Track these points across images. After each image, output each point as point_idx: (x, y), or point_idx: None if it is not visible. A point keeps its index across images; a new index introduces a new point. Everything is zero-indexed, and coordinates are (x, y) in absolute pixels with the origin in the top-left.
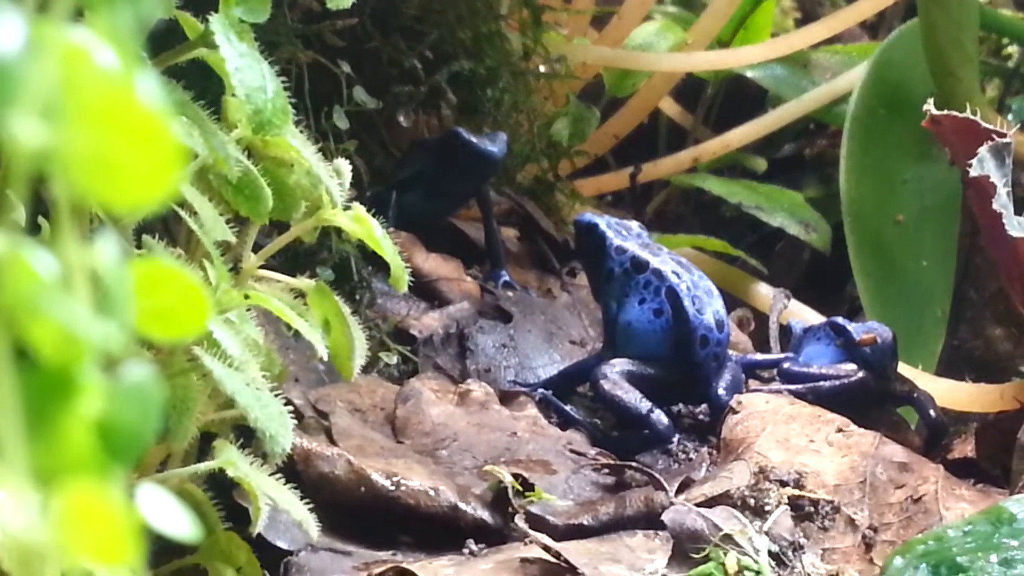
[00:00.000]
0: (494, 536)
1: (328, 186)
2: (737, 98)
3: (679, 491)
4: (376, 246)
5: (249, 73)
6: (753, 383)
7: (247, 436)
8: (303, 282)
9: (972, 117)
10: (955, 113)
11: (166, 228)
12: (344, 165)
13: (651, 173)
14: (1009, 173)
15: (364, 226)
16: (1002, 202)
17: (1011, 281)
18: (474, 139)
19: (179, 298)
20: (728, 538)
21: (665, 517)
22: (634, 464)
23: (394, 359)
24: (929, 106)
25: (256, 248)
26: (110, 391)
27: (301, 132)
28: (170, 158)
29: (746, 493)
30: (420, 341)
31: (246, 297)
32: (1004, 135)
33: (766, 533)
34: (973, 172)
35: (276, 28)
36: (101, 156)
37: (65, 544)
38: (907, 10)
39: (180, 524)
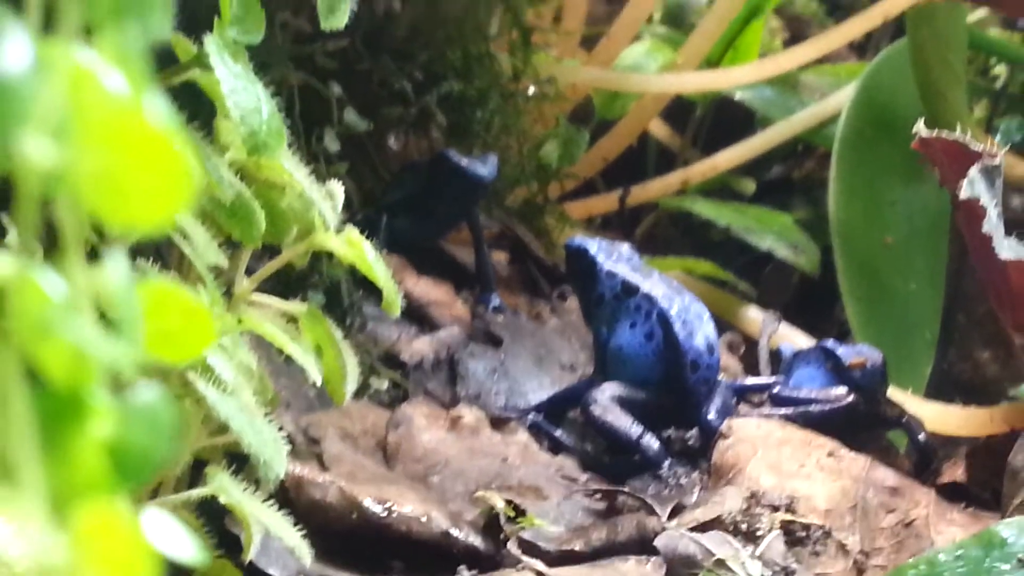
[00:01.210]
0: (486, 562)
1: (321, 209)
2: (726, 120)
3: (671, 516)
4: (368, 270)
5: (244, 95)
6: (743, 407)
7: (239, 463)
8: (295, 306)
9: (962, 138)
10: (945, 135)
11: (158, 252)
12: (337, 188)
13: (640, 196)
14: (999, 195)
15: (357, 250)
16: (992, 224)
17: (1000, 304)
18: (464, 161)
19: (184, 320)
20: (721, 563)
21: (658, 542)
22: (625, 490)
23: (384, 384)
24: (919, 127)
25: (248, 272)
26: (120, 412)
27: (293, 155)
28: (180, 177)
29: (738, 518)
30: (410, 366)
31: (239, 322)
32: (994, 156)
33: (758, 558)
34: (963, 194)
35: (268, 50)
36: (111, 175)
37: (83, 566)
38: (895, 31)
39: (185, 547)
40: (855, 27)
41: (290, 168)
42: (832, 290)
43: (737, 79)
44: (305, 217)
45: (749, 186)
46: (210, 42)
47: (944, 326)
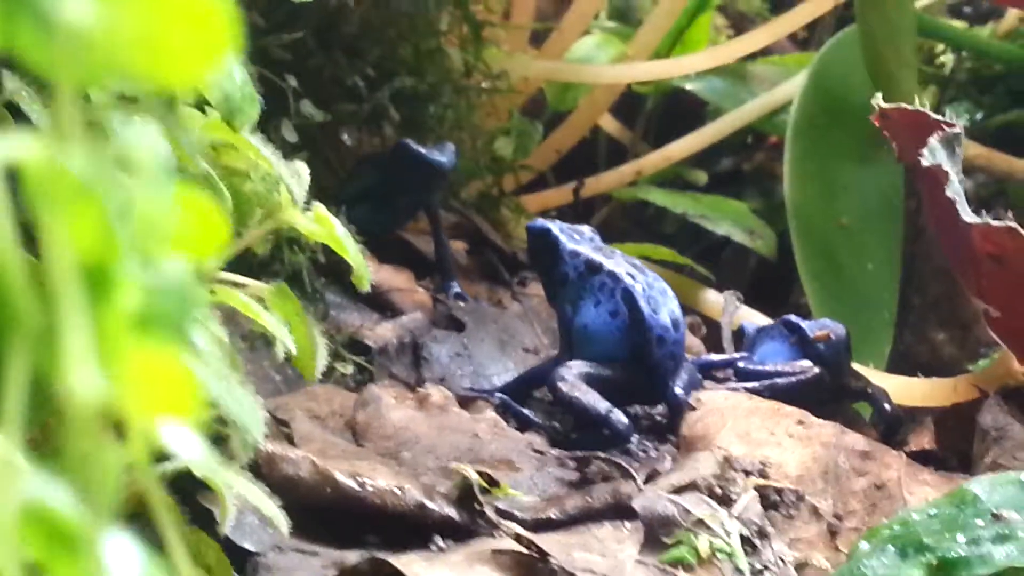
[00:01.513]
0: (461, 532)
1: (289, 185)
2: (676, 113)
3: (646, 482)
4: (339, 247)
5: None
6: (709, 383)
7: (213, 442)
8: (261, 285)
9: (921, 109)
10: (904, 106)
11: None
12: (303, 167)
13: (594, 188)
14: (959, 163)
15: (326, 226)
16: (955, 189)
17: (963, 270)
18: (423, 150)
19: (199, 221)
20: (699, 523)
21: (636, 503)
22: (601, 455)
23: (349, 369)
24: (877, 100)
25: None
26: (148, 287)
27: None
28: (219, 32)
29: (712, 482)
30: (375, 351)
31: (212, 293)
32: (953, 125)
33: (736, 518)
34: (925, 161)
35: None
36: (150, 33)
37: (136, 401)
38: (837, 23)
39: (193, 448)
40: (803, 14)
41: (257, 144)
42: (789, 274)
43: (687, 67)
44: (269, 201)
45: (701, 177)
46: None
47: (900, 308)
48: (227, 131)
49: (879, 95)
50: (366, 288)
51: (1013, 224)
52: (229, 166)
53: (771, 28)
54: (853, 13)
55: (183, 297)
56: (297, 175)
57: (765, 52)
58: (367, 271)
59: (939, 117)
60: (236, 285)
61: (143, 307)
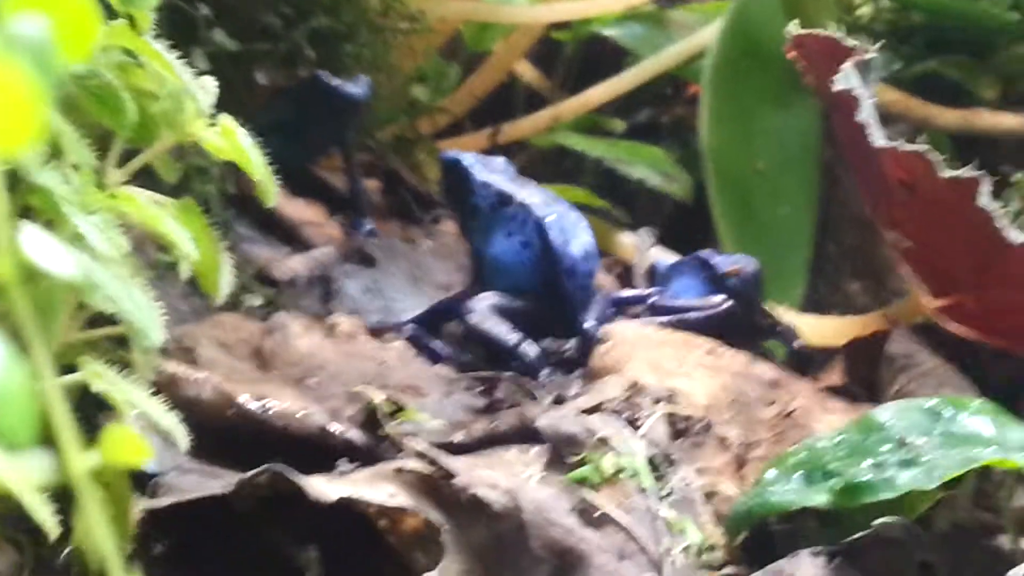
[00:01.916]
0: (365, 456)
1: (195, 95)
2: (595, 61)
3: (553, 405)
4: (244, 160)
5: None
6: (621, 319)
7: (116, 365)
8: (167, 199)
9: (835, 35)
10: (818, 32)
11: None
12: (209, 81)
13: (510, 134)
14: (873, 89)
15: (231, 139)
16: (866, 113)
17: (875, 201)
18: (336, 82)
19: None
20: (604, 441)
21: (539, 423)
22: (506, 375)
23: (258, 301)
24: (792, 27)
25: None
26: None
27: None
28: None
29: (619, 406)
30: (283, 284)
31: (112, 197)
32: (866, 51)
33: (642, 438)
34: (837, 86)
35: None
36: None
37: None
38: None
39: (59, 259)
40: None
41: (160, 50)
42: (705, 221)
43: (605, 6)
44: (177, 120)
45: (619, 125)
46: None
47: (815, 256)
48: (131, 36)
49: (795, 22)
50: (271, 203)
51: (924, 147)
52: (137, 86)
53: None
54: None
55: (40, 52)
56: (203, 88)
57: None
58: (273, 186)
59: (852, 43)
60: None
61: None
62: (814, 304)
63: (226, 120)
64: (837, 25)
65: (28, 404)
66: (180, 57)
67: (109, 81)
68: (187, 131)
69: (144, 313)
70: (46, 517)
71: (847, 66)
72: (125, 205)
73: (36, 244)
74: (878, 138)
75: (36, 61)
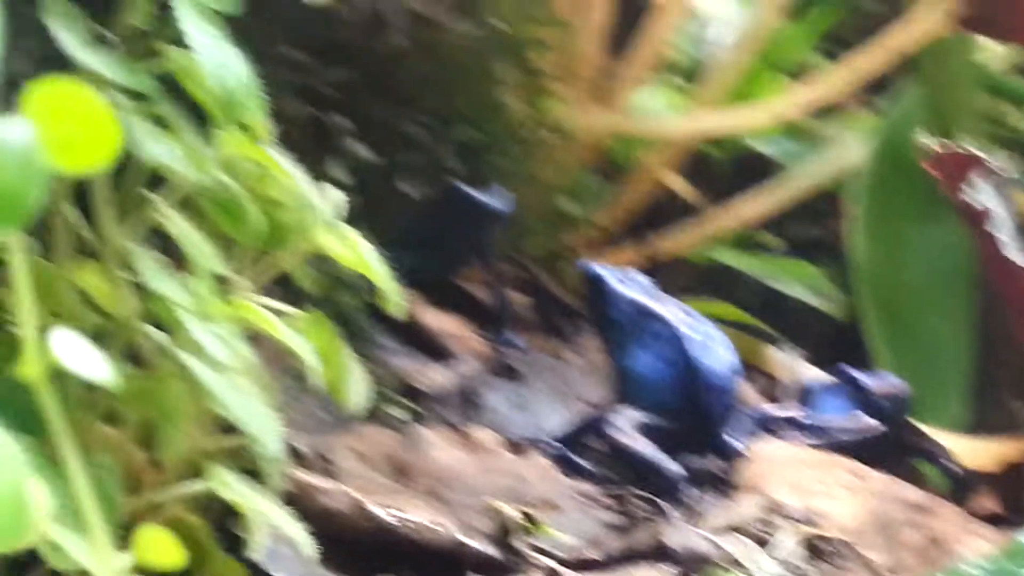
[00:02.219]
0: (498, 571)
1: (315, 205)
2: (747, 175)
3: (688, 523)
4: (365, 268)
5: (217, 53)
6: (767, 437)
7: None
8: (297, 312)
9: (973, 150)
10: (953, 146)
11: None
12: (335, 191)
13: (662, 248)
14: (1010, 205)
15: (352, 248)
16: (998, 226)
17: (1017, 313)
18: (476, 193)
19: (88, 124)
20: (735, 562)
21: (670, 540)
22: (637, 491)
23: (399, 412)
24: (929, 142)
25: None
26: None
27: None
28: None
29: (755, 525)
30: (426, 396)
31: (230, 305)
32: (999, 164)
33: (775, 559)
34: (966, 197)
35: (267, 81)
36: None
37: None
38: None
39: (94, 366)
40: (867, 64)
41: (280, 161)
42: (858, 339)
43: (752, 119)
44: (303, 229)
45: (775, 242)
46: (181, 4)
47: (975, 376)
48: (245, 143)
49: (928, 138)
50: (394, 311)
51: None
52: (266, 195)
53: (833, 79)
54: None
55: (26, 161)
56: (329, 198)
57: (832, 110)
58: (396, 293)
59: (986, 157)
60: (270, 310)
61: None
62: (974, 426)
63: (349, 230)
64: (986, 138)
65: (18, 500)
66: (315, 167)
67: (234, 192)
68: (312, 241)
69: (262, 422)
70: None
71: (977, 177)
72: (245, 314)
73: (66, 347)
74: (1014, 253)
75: (21, 165)
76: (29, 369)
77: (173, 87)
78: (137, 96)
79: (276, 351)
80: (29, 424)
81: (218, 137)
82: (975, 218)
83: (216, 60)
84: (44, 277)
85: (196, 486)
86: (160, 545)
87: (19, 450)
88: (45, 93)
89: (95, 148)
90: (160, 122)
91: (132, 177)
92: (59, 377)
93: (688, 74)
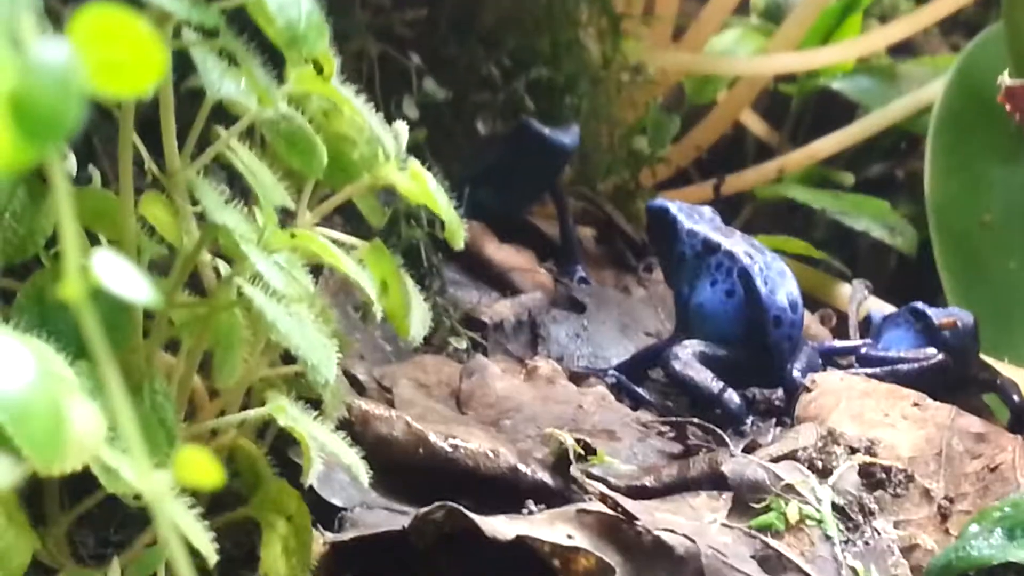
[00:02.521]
0: (555, 498)
1: (383, 140)
2: (823, 115)
3: (746, 452)
4: (431, 202)
5: None
6: (830, 369)
7: (307, 402)
8: (358, 242)
9: None
10: None
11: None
12: (402, 126)
13: (735, 185)
14: None
15: (419, 182)
16: None
17: None
18: (546, 130)
19: (132, 49)
20: (790, 488)
21: (725, 468)
22: (696, 420)
23: (464, 344)
24: (1003, 77)
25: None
26: (23, 67)
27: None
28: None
29: (813, 455)
30: (490, 327)
31: (292, 237)
32: None
33: (831, 487)
34: None
35: (346, 22)
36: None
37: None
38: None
39: (137, 287)
40: (947, 3)
41: (349, 97)
42: (930, 276)
43: (827, 58)
44: (370, 164)
45: (848, 178)
46: None
47: None
48: (314, 80)
49: (1005, 72)
50: (459, 245)
51: None
52: (339, 132)
53: (913, 19)
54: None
55: (63, 79)
56: (395, 133)
57: (915, 52)
58: (461, 228)
59: None
60: (333, 241)
61: (19, 90)
62: None
63: (415, 164)
64: None
65: (55, 417)
66: (388, 104)
67: (300, 125)
68: (379, 175)
69: (318, 351)
70: (204, 543)
71: None
72: (307, 245)
73: (108, 267)
74: None
75: (58, 83)
76: (69, 290)
77: (249, 25)
78: (208, 32)
79: (341, 283)
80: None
81: (287, 73)
82: None
83: None
84: (106, 206)
85: (252, 413)
86: (199, 465)
87: (64, 368)
88: (91, 18)
89: (139, 73)
90: (230, 58)
91: (199, 109)
92: (116, 305)
93: (768, 14)
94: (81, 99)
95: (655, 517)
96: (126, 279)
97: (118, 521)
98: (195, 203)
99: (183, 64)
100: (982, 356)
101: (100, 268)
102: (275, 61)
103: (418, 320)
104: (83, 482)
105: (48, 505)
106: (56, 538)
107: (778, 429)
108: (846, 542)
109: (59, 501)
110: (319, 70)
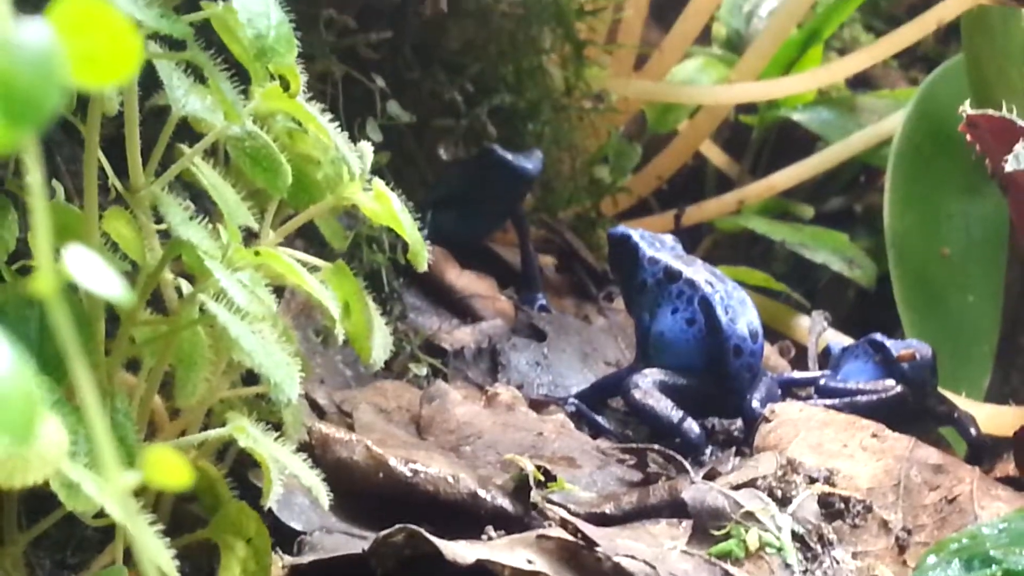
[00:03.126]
0: (515, 524)
1: (349, 160)
2: (784, 146)
3: (705, 480)
4: (395, 223)
5: (253, 2)
6: (789, 400)
7: (272, 427)
8: (321, 262)
9: (1009, 116)
10: (991, 112)
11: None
12: (367, 147)
13: (695, 215)
14: None
15: (384, 203)
16: None
17: None
18: (508, 155)
19: (109, 40)
20: (749, 515)
21: (685, 495)
22: (656, 447)
23: (424, 370)
24: (965, 107)
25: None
26: (3, 49)
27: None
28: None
29: (772, 483)
30: (451, 354)
31: (256, 255)
32: None
33: (790, 515)
34: (1009, 167)
35: (311, 43)
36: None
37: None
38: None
39: (109, 283)
40: (904, 36)
41: (315, 114)
42: (888, 308)
43: (789, 88)
44: (340, 186)
45: (807, 211)
46: None
47: (1004, 349)
48: (281, 97)
49: (967, 103)
50: (423, 267)
51: None
52: (302, 152)
53: (872, 51)
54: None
55: (43, 61)
56: (360, 153)
57: (875, 86)
58: (424, 250)
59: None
60: (296, 261)
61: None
62: (1005, 395)
63: (379, 185)
64: None
65: (30, 404)
66: (351, 126)
67: (265, 143)
68: (343, 195)
69: (281, 370)
70: (167, 562)
71: (1019, 146)
72: (271, 264)
73: (80, 263)
74: None
75: (37, 66)
76: (41, 285)
77: (215, 43)
78: (173, 45)
79: (303, 305)
80: (52, 366)
81: (253, 90)
82: (1017, 187)
83: (250, 7)
84: (69, 220)
85: (212, 433)
86: (167, 466)
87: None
88: (67, 7)
89: (115, 63)
90: (195, 74)
91: (163, 126)
92: (82, 322)
93: (730, 44)
94: (59, 83)
95: (615, 543)
96: (98, 275)
97: (75, 543)
98: (158, 221)
99: (148, 82)
100: (940, 389)
101: (72, 264)
102: (240, 79)
103: (380, 344)
104: (40, 502)
105: (5, 525)
106: (13, 558)
107: (737, 459)
108: (805, 572)
109: (16, 521)
110: (285, 87)
